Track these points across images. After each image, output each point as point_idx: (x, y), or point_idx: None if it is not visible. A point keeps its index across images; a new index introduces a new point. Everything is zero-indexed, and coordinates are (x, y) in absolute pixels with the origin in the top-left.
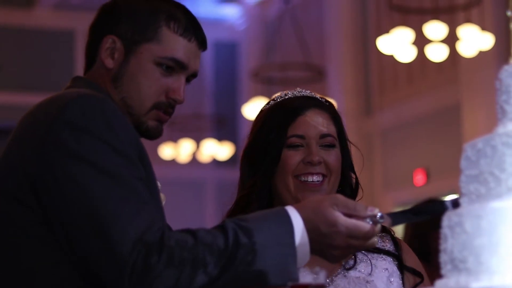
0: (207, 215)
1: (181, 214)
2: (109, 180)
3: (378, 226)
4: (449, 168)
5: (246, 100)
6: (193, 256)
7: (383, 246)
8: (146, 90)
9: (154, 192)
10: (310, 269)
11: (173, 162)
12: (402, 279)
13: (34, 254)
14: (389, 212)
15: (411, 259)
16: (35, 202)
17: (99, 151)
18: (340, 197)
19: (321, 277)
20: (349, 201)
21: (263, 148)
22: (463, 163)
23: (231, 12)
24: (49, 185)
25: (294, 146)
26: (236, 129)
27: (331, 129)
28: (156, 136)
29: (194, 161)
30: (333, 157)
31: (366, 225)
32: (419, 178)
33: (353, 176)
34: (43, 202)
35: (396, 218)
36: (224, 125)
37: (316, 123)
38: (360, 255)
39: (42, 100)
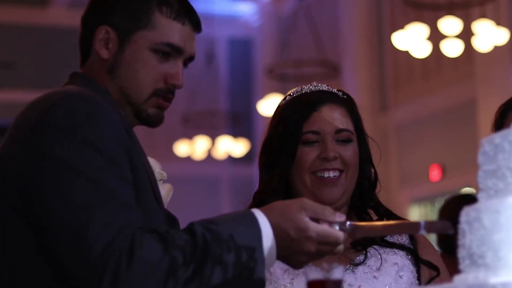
0: (223, 211)
1: (197, 211)
2: (88, 184)
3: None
4: (464, 164)
5: (261, 96)
6: (162, 261)
7: (397, 239)
8: (144, 78)
9: (142, 193)
10: (327, 264)
11: (188, 159)
12: (418, 272)
13: (18, 256)
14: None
15: (429, 253)
16: (21, 204)
17: (80, 154)
18: (308, 201)
19: (338, 273)
20: (317, 206)
21: (279, 144)
22: (480, 158)
23: (245, 9)
24: (30, 188)
25: (309, 143)
26: (251, 126)
27: (348, 124)
28: (158, 123)
29: (209, 158)
30: (349, 152)
31: (337, 232)
32: (435, 174)
33: (372, 170)
34: (26, 205)
35: (361, 230)
36: (239, 122)
37: (331, 118)
38: (372, 250)
39: (35, 99)
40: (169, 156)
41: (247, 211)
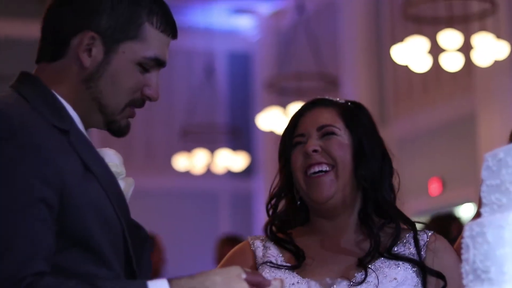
0: (222, 226)
1: (196, 225)
2: None
3: None
4: (464, 178)
5: (260, 110)
6: None
7: (403, 251)
8: (125, 90)
9: (89, 212)
10: (330, 280)
11: (187, 174)
12: (424, 283)
13: None
14: None
15: (443, 258)
16: None
17: None
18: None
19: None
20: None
21: (279, 154)
22: (484, 173)
23: (245, 23)
24: None
25: (297, 145)
26: (251, 140)
27: (333, 121)
28: (126, 133)
29: (208, 172)
30: (334, 145)
31: None
32: (434, 187)
33: (374, 171)
34: None
35: None
36: (238, 135)
37: (315, 118)
38: (377, 264)
39: None
40: (168, 170)
41: (141, 282)
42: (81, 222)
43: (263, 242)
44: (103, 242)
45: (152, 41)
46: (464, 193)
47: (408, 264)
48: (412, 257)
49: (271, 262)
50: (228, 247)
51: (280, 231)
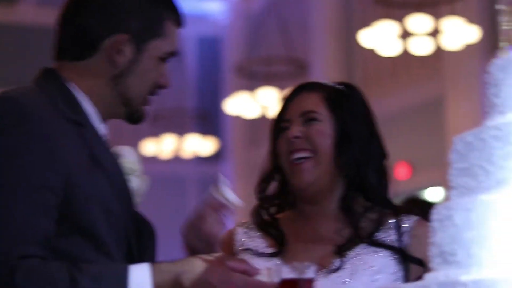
0: (189, 211)
1: (164, 211)
2: None
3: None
4: (432, 161)
5: (229, 95)
6: None
7: (384, 238)
8: (149, 83)
9: (93, 204)
10: (301, 264)
11: (155, 159)
12: (407, 270)
13: None
14: None
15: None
16: None
17: None
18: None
19: (310, 272)
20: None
21: (269, 137)
22: (452, 156)
23: (214, 7)
24: None
25: (283, 130)
26: (219, 124)
27: (316, 106)
28: (143, 120)
29: (176, 157)
30: (314, 131)
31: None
32: (401, 171)
33: (357, 157)
34: None
35: None
36: (207, 120)
37: (299, 104)
38: (352, 254)
39: None
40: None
41: (122, 267)
42: (84, 211)
43: (247, 229)
44: (104, 232)
45: (171, 36)
46: (432, 176)
47: (388, 252)
48: (392, 244)
49: (250, 249)
50: None
51: (269, 214)
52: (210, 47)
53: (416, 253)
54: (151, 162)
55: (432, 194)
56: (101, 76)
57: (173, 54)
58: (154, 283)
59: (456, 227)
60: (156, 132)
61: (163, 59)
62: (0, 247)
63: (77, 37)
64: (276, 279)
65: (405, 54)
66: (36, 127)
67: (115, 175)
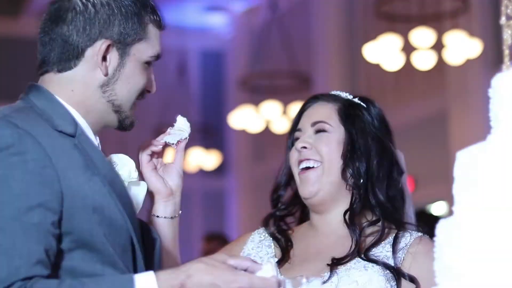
0: (194, 225)
1: None
2: None
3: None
4: (436, 176)
5: (233, 108)
6: None
7: (379, 253)
8: (137, 89)
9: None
10: (300, 277)
11: None
12: (398, 286)
13: None
14: None
15: (427, 263)
16: None
17: None
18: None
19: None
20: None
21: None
22: (456, 171)
23: (218, 21)
24: None
25: (295, 139)
26: (223, 138)
27: (328, 117)
28: (134, 126)
29: None
30: (323, 142)
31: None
32: None
33: (365, 168)
34: None
35: None
36: (211, 134)
37: (311, 114)
38: (343, 267)
39: None
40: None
41: (127, 276)
42: (85, 223)
43: (263, 237)
44: (107, 242)
45: (154, 39)
46: (436, 191)
47: (378, 267)
48: (386, 259)
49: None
50: (212, 243)
51: (279, 224)
52: (214, 61)
53: (410, 270)
54: None
55: (436, 208)
56: (89, 86)
57: (157, 57)
58: None
59: (460, 242)
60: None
61: (148, 62)
62: (2, 271)
63: (59, 48)
64: (278, 274)
65: (408, 68)
66: (29, 146)
67: (114, 183)
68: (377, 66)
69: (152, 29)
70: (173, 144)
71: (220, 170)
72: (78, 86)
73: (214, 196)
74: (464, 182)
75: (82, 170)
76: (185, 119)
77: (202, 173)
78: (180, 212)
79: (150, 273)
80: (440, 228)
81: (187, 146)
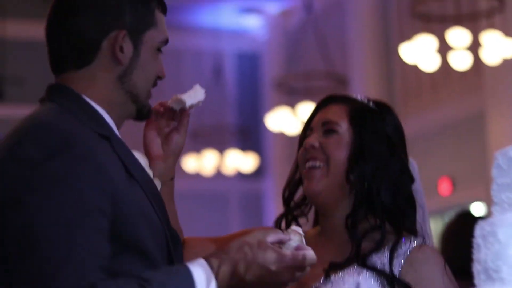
0: (232, 228)
1: (206, 227)
2: (49, 230)
3: None
4: (474, 177)
5: (269, 110)
6: None
7: (376, 259)
8: (152, 76)
9: (139, 220)
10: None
11: (197, 175)
12: None
13: None
14: None
15: (424, 271)
16: None
17: (47, 194)
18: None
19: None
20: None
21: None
22: (494, 172)
23: (253, 23)
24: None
25: (306, 138)
26: (260, 140)
27: (337, 117)
28: (151, 115)
29: (218, 173)
30: (330, 143)
31: (309, 254)
32: (444, 187)
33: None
34: None
35: None
36: (247, 136)
37: (323, 113)
38: (341, 273)
39: (17, 124)
40: (177, 172)
41: (183, 267)
42: (132, 227)
43: None
44: (151, 245)
45: (161, 25)
46: (474, 192)
47: (374, 274)
48: (383, 266)
49: None
50: None
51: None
52: (249, 63)
53: (406, 277)
54: (193, 178)
55: (475, 209)
56: (108, 79)
57: (165, 42)
58: (216, 275)
59: (499, 243)
60: (197, 148)
61: (159, 49)
62: (68, 279)
63: (74, 44)
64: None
65: (445, 68)
66: (80, 148)
67: (147, 184)
68: (413, 67)
69: (159, 14)
70: (180, 109)
71: (258, 172)
72: (99, 81)
73: (251, 198)
74: (502, 183)
75: (122, 174)
76: (202, 90)
77: (239, 175)
78: (173, 176)
79: (201, 260)
80: (479, 229)
81: (224, 149)
